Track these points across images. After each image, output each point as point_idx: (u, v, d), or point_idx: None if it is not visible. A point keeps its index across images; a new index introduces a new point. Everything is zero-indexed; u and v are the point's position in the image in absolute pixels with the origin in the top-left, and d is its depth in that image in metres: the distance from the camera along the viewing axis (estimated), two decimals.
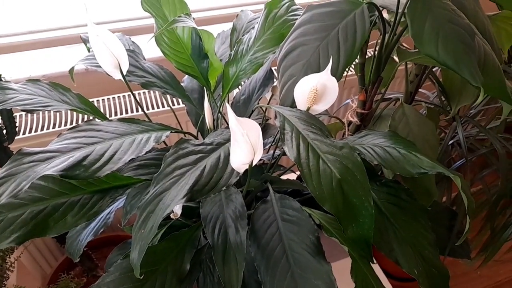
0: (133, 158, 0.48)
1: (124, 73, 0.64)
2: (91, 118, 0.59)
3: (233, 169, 0.51)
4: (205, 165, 0.51)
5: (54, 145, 0.46)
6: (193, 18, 0.65)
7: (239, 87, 0.79)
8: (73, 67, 0.71)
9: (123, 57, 0.63)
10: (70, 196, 0.54)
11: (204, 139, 0.57)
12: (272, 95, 0.75)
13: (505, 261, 1.41)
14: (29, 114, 1.03)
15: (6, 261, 0.83)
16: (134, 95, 0.68)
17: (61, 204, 0.53)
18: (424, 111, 0.70)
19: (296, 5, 0.68)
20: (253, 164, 0.51)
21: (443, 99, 0.91)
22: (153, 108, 1.02)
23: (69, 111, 1.03)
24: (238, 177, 0.51)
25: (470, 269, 1.45)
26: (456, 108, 0.83)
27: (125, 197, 0.65)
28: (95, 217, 0.56)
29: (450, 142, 0.94)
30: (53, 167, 0.42)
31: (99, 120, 0.52)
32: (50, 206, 0.52)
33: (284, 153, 0.68)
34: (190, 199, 0.46)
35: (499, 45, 0.78)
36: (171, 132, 0.57)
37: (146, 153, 0.53)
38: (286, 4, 0.67)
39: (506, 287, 1.54)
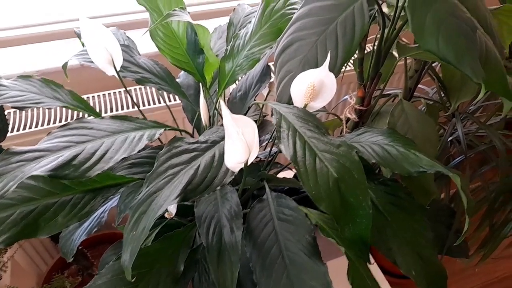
0: (126, 157, 0.47)
1: (118, 69, 0.63)
2: (81, 115, 0.58)
3: (227, 168, 0.49)
4: (199, 164, 0.49)
5: (43, 144, 0.45)
6: (189, 12, 0.63)
7: (236, 83, 0.78)
8: (66, 63, 0.70)
9: (116, 53, 0.62)
10: (61, 196, 0.52)
11: (199, 137, 0.55)
12: (269, 91, 0.74)
13: (502, 257, 1.41)
14: (22, 111, 1.01)
15: None
16: (128, 91, 0.66)
17: (52, 204, 0.51)
18: (424, 108, 0.69)
19: None
20: (249, 163, 0.50)
21: (443, 95, 0.90)
22: (149, 104, 1.01)
23: (61, 108, 1.02)
24: (233, 176, 0.50)
25: (468, 265, 1.44)
26: (456, 104, 0.82)
27: (118, 196, 0.63)
28: (87, 217, 0.54)
29: (449, 139, 0.93)
30: (42, 167, 0.41)
31: (91, 118, 0.51)
32: (40, 206, 0.51)
33: (281, 151, 0.67)
34: (183, 199, 0.45)
35: (501, 40, 0.77)
36: (164, 130, 0.55)
37: (139, 151, 0.52)
38: None
39: (504, 283, 1.54)
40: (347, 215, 0.48)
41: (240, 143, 0.47)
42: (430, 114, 0.68)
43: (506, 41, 0.77)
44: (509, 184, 0.88)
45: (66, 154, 0.44)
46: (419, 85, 1.04)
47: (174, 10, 0.58)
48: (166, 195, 0.45)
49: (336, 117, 0.81)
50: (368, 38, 0.77)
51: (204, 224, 0.56)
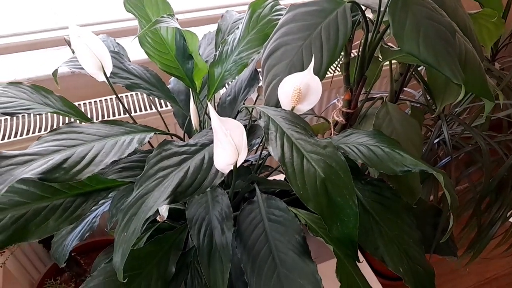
0: (116, 160, 0.47)
1: (108, 75, 0.64)
2: (72, 120, 0.58)
3: (217, 170, 0.50)
4: (189, 166, 0.50)
5: (34, 148, 0.46)
6: (177, 19, 0.64)
7: (225, 87, 0.79)
8: (56, 70, 0.70)
9: (106, 59, 0.63)
10: (52, 200, 0.53)
11: (189, 140, 0.56)
12: (258, 96, 0.75)
13: (493, 258, 1.43)
14: (12, 118, 1.01)
15: None
16: (118, 97, 0.67)
17: (42, 208, 0.52)
18: (409, 110, 0.71)
19: (280, 4, 0.68)
20: (238, 165, 0.51)
21: (428, 98, 0.92)
22: (140, 111, 1.01)
23: (52, 115, 1.02)
24: (222, 178, 0.51)
25: (459, 266, 1.46)
26: (441, 107, 0.84)
27: (110, 200, 0.64)
28: (79, 221, 0.55)
29: (436, 141, 0.95)
30: (32, 170, 0.41)
31: (81, 123, 0.51)
32: (31, 210, 0.51)
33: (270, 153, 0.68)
34: (173, 200, 0.46)
35: (481, 43, 0.79)
36: (154, 133, 0.56)
37: (130, 155, 0.53)
38: (270, 4, 0.67)
39: (494, 284, 1.55)
40: (334, 215, 0.49)
41: (228, 145, 0.48)
42: (415, 116, 0.70)
43: (487, 43, 0.80)
44: (494, 185, 0.90)
45: (56, 158, 0.44)
46: (406, 89, 1.06)
47: (162, 16, 0.59)
48: (156, 197, 0.46)
49: (324, 121, 0.82)
50: (354, 44, 0.79)
51: (195, 226, 0.56)
